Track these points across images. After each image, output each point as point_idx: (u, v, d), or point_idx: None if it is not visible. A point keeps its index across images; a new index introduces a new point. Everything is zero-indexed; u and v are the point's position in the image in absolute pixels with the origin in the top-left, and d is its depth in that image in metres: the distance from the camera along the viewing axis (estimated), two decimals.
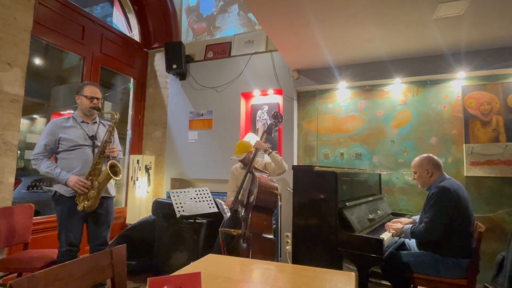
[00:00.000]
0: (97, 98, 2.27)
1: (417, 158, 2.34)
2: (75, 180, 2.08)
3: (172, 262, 3.00)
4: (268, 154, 2.83)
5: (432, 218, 2.04)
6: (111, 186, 2.33)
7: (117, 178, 2.18)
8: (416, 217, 2.51)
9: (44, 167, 2.11)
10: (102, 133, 2.32)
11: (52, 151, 2.18)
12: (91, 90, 2.26)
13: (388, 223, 2.39)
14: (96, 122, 2.34)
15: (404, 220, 2.47)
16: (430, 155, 2.31)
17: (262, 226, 2.37)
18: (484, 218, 2.91)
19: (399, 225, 2.29)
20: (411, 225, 2.20)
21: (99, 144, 2.24)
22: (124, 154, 4.11)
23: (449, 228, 2.04)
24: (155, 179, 4.30)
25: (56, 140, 2.16)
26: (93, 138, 2.24)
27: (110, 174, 2.10)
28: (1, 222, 2.35)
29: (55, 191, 2.16)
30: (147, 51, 4.62)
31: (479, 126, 3.06)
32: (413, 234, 2.13)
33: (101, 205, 2.21)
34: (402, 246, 2.49)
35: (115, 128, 2.28)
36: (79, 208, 2.10)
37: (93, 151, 2.23)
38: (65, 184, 2.10)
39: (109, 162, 2.16)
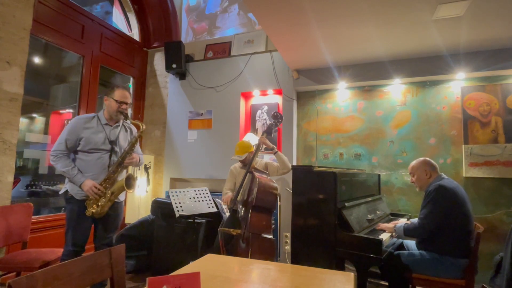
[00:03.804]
0: (126, 103, 2.25)
1: (414, 161, 2.38)
2: (90, 185, 2.07)
3: (171, 262, 3.00)
4: (275, 154, 2.84)
5: (427, 214, 2.07)
6: (122, 192, 2.32)
7: (130, 191, 2.19)
8: (415, 220, 2.52)
9: (62, 165, 2.09)
10: (122, 137, 2.30)
11: (72, 149, 2.16)
12: (122, 94, 2.23)
13: (381, 224, 2.41)
14: (118, 125, 2.31)
15: (403, 220, 2.48)
16: (426, 158, 2.36)
17: (261, 226, 2.37)
18: (483, 219, 2.92)
19: (390, 225, 2.31)
20: (403, 223, 2.22)
21: (117, 150, 2.23)
22: None
23: (444, 226, 2.05)
24: (154, 178, 4.29)
25: (77, 138, 2.14)
26: (112, 143, 2.22)
27: (125, 186, 2.11)
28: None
29: (67, 190, 2.15)
30: (146, 51, 4.62)
31: (478, 127, 3.06)
32: (406, 231, 2.15)
33: (111, 208, 2.21)
34: (401, 246, 2.50)
35: (138, 140, 2.27)
36: (88, 213, 2.09)
37: (110, 157, 2.21)
38: (79, 187, 2.09)
39: (127, 174, 2.17)
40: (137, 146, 2.42)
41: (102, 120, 2.24)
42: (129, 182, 2.16)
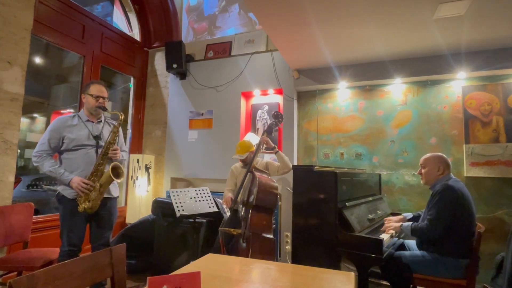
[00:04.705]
0: (103, 97, 2.26)
1: (429, 154, 2.34)
2: (78, 181, 2.07)
3: (172, 262, 3.00)
4: (275, 153, 2.84)
5: (436, 215, 2.05)
6: (114, 187, 2.32)
7: (119, 181, 2.18)
8: (407, 214, 2.51)
9: (47, 166, 2.09)
10: (106, 132, 2.30)
11: (56, 149, 2.16)
12: (97, 88, 2.26)
13: (386, 225, 2.39)
14: (101, 121, 2.33)
15: (394, 218, 2.46)
16: (443, 155, 2.31)
17: (261, 226, 2.37)
18: (484, 219, 2.91)
19: (397, 224, 2.30)
20: (410, 223, 2.20)
21: (103, 144, 2.23)
22: None
23: (451, 227, 2.04)
24: (155, 178, 4.30)
25: (60, 138, 2.14)
26: (97, 138, 2.23)
27: (112, 176, 2.10)
28: (0, 220, 2.35)
29: (58, 191, 2.15)
30: (147, 50, 4.62)
31: (479, 126, 3.05)
32: (414, 231, 2.13)
33: (104, 206, 2.20)
34: (402, 246, 2.49)
35: (119, 129, 2.27)
36: (80, 209, 2.08)
37: (96, 152, 2.22)
38: (68, 185, 2.09)
39: (112, 164, 2.16)
40: (122, 141, 2.42)
41: (83, 117, 2.26)
42: (116, 171, 2.15)
